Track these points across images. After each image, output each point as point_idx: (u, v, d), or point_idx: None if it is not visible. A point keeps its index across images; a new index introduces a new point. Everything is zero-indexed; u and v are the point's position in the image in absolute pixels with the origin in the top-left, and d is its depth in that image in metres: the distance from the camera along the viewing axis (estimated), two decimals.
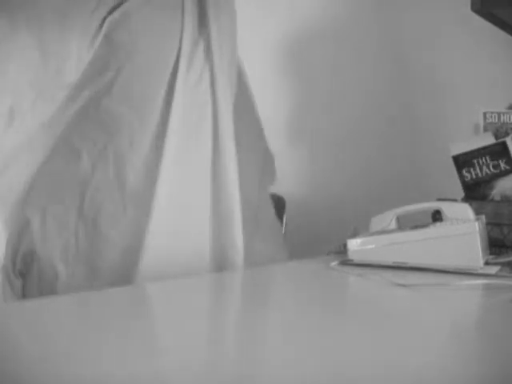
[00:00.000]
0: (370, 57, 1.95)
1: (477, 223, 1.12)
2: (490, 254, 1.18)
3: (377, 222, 1.25)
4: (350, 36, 2.00)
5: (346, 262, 1.20)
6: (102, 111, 1.13)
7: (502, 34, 1.61)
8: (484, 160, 1.34)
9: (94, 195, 1.14)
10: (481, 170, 1.34)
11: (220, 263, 1.21)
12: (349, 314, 0.85)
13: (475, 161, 1.35)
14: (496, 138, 1.36)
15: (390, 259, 1.16)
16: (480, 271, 1.09)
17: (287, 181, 2.11)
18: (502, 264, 1.14)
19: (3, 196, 1.19)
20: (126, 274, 1.12)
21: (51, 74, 1.10)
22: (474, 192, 1.35)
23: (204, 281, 1.08)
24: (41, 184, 1.17)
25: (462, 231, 1.12)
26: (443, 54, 1.81)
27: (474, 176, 1.35)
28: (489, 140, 1.35)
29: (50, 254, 1.15)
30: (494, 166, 1.33)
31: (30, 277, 1.17)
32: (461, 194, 1.38)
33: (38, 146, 1.16)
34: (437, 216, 1.25)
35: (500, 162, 1.33)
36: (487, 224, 1.22)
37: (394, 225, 1.23)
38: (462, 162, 1.36)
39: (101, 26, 1.09)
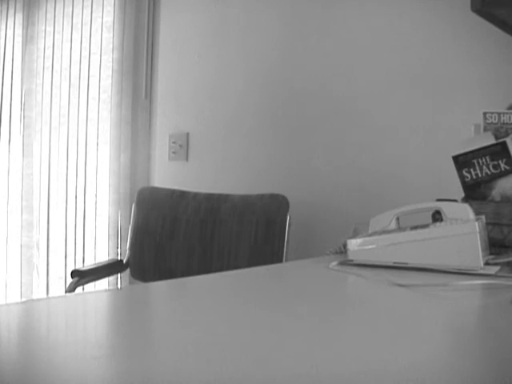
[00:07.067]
0: (369, 57, 1.95)
1: (477, 223, 1.12)
2: (490, 253, 1.18)
3: (377, 222, 1.25)
4: (350, 36, 2.00)
5: (346, 262, 1.20)
6: None
7: (502, 34, 1.61)
8: (484, 160, 1.34)
9: None
10: (481, 170, 1.34)
11: None
12: (349, 315, 0.85)
13: (475, 161, 1.35)
14: (496, 138, 1.36)
15: (389, 259, 1.16)
16: (480, 271, 1.09)
17: (290, 181, 2.12)
18: (502, 264, 1.14)
19: None
20: None
21: None
22: (474, 192, 1.35)
23: (204, 281, 1.08)
24: None
25: (462, 231, 1.12)
26: (443, 53, 1.82)
27: (474, 176, 1.35)
28: (489, 140, 1.35)
29: None
30: (493, 166, 1.33)
31: None
32: (461, 193, 1.38)
33: None
34: (437, 216, 1.25)
35: (500, 162, 1.32)
36: (487, 224, 1.22)
37: (394, 225, 1.23)
38: (462, 162, 1.36)
39: None
